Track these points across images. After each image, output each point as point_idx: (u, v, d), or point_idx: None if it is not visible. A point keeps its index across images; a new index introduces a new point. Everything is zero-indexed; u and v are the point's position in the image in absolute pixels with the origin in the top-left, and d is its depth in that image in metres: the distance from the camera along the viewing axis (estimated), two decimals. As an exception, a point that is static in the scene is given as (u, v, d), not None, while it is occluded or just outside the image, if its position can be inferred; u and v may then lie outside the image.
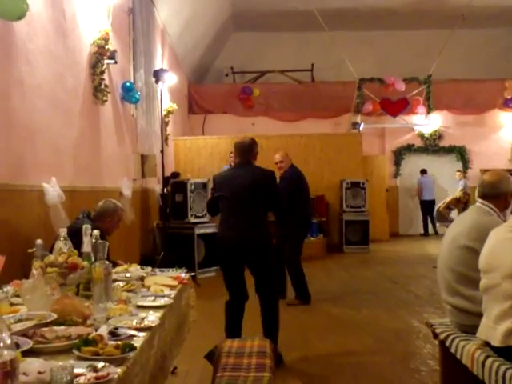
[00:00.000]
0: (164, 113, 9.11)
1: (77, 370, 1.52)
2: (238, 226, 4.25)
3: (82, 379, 1.52)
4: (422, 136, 13.96)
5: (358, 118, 13.49)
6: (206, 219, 8.60)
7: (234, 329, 4.33)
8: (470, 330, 2.98)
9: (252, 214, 4.27)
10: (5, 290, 2.38)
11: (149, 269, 3.37)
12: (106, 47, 6.07)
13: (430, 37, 14.16)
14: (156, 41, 9.27)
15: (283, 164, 6.44)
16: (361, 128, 13.30)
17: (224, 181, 4.46)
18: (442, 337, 3.20)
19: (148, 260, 6.80)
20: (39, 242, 2.54)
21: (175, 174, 10.06)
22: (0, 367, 0.98)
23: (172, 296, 2.69)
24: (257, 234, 4.30)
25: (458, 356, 2.98)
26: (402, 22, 14.34)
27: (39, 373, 1.44)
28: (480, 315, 2.80)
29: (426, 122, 13.72)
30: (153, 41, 8.86)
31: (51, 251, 2.65)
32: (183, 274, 3.30)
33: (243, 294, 4.39)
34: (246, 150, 4.43)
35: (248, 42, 14.88)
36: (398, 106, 13.27)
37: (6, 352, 0.99)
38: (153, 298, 2.61)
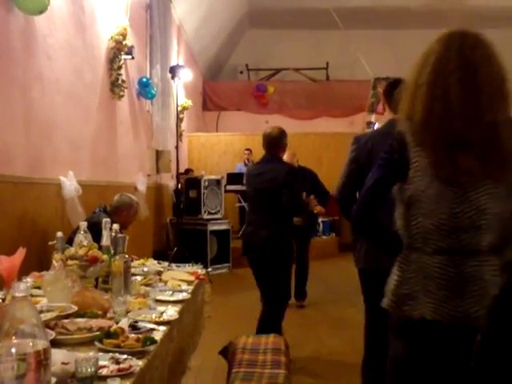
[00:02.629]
0: (179, 109, 9.14)
1: (99, 362, 1.54)
2: (255, 223, 4.18)
3: (104, 371, 1.53)
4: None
5: (373, 117, 13.42)
6: (219, 215, 8.63)
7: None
8: None
9: (270, 212, 4.13)
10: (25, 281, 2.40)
11: (165, 263, 3.39)
12: (124, 43, 6.10)
13: (446, 36, 14.07)
14: (172, 37, 9.30)
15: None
16: (375, 127, 13.24)
17: (249, 176, 4.40)
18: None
19: (161, 255, 6.82)
20: (60, 234, 2.56)
21: (188, 171, 10.10)
22: (34, 356, 0.99)
23: (189, 291, 2.70)
24: (271, 233, 4.10)
25: None
26: (418, 20, 14.23)
27: (63, 363, 1.46)
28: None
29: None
30: (169, 37, 8.88)
31: (68, 244, 2.68)
32: (199, 269, 3.31)
33: (271, 292, 4.22)
34: (274, 143, 4.21)
35: (263, 40, 14.86)
36: (412, 106, 13.21)
37: (39, 342, 1.01)
38: (171, 292, 2.62)
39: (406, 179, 1.75)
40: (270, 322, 4.09)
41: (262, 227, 4.12)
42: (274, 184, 4.10)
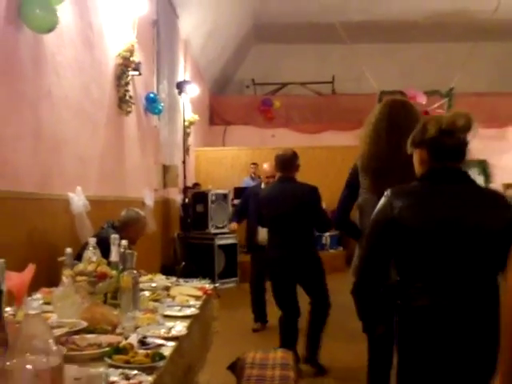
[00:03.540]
0: (186, 124, 9.19)
1: (110, 378, 1.55)
2: (284, 245, 4.24)
3: (115, 387, 1.55)
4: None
5: (379, 131, 13.44)
6: (226, 230, 8.64)
7: (288, 343, 4.21)
8: None
9: (297, 232, 4.25)
10: (35, 297, 2.42)
11: (173, 279, 3.40)
12: (131, 59, 6.15)
13: (451, 50, 14.11)
14: (179, 52, 9.38)
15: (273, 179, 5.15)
16: (381, 140, 13.26)
17: (268, 199, 4.42)
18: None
19: (168, 270, 6.84)
20: (69, 250, 2.58)
21: (196, 185, 10.13)
22: (48, 373, 1.00)
23: (197, 306, 2.71)
24: (304, 253, 4.29)
25: None
26: (424, 34, 14.31)
27: (76, 379, 1.47)
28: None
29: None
30: (176, 52, 8.97)
31: (76, 260, 2.70)
32: (207, 284, 3.32)
33: (295, 311, 4.37)
34: (288, 164, 4.34)
35: (269, 54, 14.95)
36: (419, 119, 13.22)
37: (52, 358, 1.02)
38: (179, 307, 2.63)
39: (358, 194, 3.08)
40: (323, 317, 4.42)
41: (294, 248, 4.23)
42: (299, 204, 4.22)
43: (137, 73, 6.33)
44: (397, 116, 2.92)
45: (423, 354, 1.95)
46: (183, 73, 9.84)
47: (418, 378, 1.98)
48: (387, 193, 2.09)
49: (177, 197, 9.02)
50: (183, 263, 7.65)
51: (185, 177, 8.12)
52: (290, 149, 4.48)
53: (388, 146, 2.76)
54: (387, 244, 2.05)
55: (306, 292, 4.46)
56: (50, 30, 3.90)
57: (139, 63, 6.31)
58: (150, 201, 7.07)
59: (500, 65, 14.53)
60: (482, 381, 1.87)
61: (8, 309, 2.08)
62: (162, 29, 8.10)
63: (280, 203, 4.23)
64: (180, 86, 8.05)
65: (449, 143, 2.02)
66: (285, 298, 4.34)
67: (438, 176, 2.03)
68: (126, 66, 6.10)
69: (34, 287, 2.67)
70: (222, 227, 8.57)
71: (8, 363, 1.04)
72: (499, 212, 1.49)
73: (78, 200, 4.56)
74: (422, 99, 13.18)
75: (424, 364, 1.94)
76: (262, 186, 5.94)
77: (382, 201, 2.09)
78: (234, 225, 6.37)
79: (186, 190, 8.43)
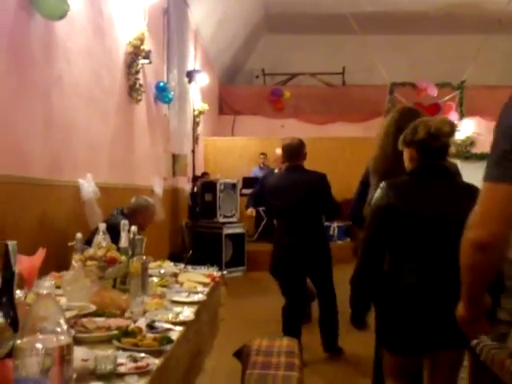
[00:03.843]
0: (195, 113, 9.20)
1: (117, 360, 1.57)
2: (293, 234, 4.24)
3: (122, 368, 1.57)
4: (453, 142, 13.75)
5: (389, 123, 13.38)
6: (234, 219, 8.67)
7: (293, 332, 4.19)
8: (502, 338, 2.96)
9: (308, 221, 4.26)
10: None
11: (182, 266, 3.43)
12: (142, 47, 6.16)
13: (464, 42, 14.00)
14: (189, 41, 9.37)
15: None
16: (391, 132, 13.20)
17: (276, 188, 4.39)
18: (472, 343, 3.18)
19: (176, 258, 6.86)
20: (79, 235, 2.61)
21: (205, 174, 10.15)
22: (58, 351, 1.03)
23: (205, 293, 2.74)
24: (315, 241, 4.30)
25: (489, 364, 2.96)
26: (436, 26, 14.21)
27: (83, 360, 1.50)
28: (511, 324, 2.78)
29: (458, 128, 13.56)
30: (186, 41, 8.96)
31: (86, 245, 2.73)
32: (215, 271, 3.35)
33: (301, 300, 4.41)
34: (296, 153, 4.33)
35: (279, 44, 14.91)
36: (429, 111, 13.10)
37: (62, 337, 1.04)
38: (187, 294, 2.65)
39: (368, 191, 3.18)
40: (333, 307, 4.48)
41: (305, 236, 4.23)
42: (311, 192, 4.23)
43: (147, 61, 6.34)
44: (404, 123, 2.98)
45: (404, 322, 2.34)
46: (193, 62, 9.83)
47: (395, 339, 2.42)
48: (382, 185, 2.41)
49: (186, 186, 9.05)
50: (191, 251, 7.68)
51: (194, 166, 8.13)
52: (296, 137, 4.45)
53: (394, 151, 2.85)
54: (385, 228, 2.36)
55: (313, 281, 4.48)
56: (62, 17, 3.92)
57: (149, 51, 6.32)
58: (159, 189, 7.10)
59: (513, 57, 14.41)
60: (458, 340, 2.20)
61: (18, 292, 2.11)
62: (172, 17, 8.09)
63: (290, 192, 4.22)
64: (190, 75, 8.03)
65: (435, 145, 2.36)
66: (293, 286, 4.33)
67: (425, 171, 2.40)
68: (136, 54, 6.12)
69: (44, 271, 2.69)
70: (230, 216, 8.61)
71: (18, 342, 1.06)
72: (472, 202, 1.63)
73: (88, 187, 4.60)
74: (433, 91, 13.12)
75: (405, 328, 2.35)
76: (276, 170, 5.96)
77: (379, 191, 2.41)
78: (251, 210, 6.23)
79: (195, 179, 8.45)
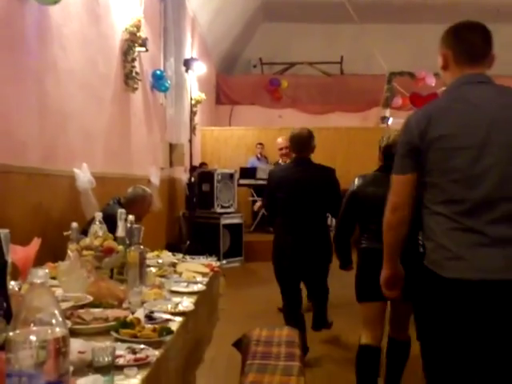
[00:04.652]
0: (192, 102, 9.11)
1: (116, 352, 1.52)
2: (297, 231, 4.02)
3: (121, 360, 1.52)
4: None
5: (387, 112, 13.32)
6: (231, 209, 8.62)
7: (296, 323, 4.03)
8: None
9: (312, 217, 4.05)
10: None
11: (180, 255, 3.37)
12: (138, 34, 6.08)
13: (462, 31, 13.88)
14: (186, 29, 9.27)
15: (288, 151, 5.63)
16: (389, 122, 13.13)
17: (282, 180, 4.12)
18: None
19: (173, 248, 6.80)
20: (75, 225, 2.55)
21: (202, 164, 10.09)
22: (53, 343, 0.97)
23: (204, 283, 2.68)
24: (317, 240, 4.07)
25: None
26: (435, 15, 14.07)
27: (80, 352, 1.44)
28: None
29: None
30: (183, 29, 8.85)
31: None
32: (214, 261, 3.29)
33: (298, 298, 4.24)
34: (304, 144, 4.08)
35: (277, 33, 14.77)
36: (427, 101, 13.05)
37: (57, 329, 0.99)
38: (186, 284, 2.60)
39: None
40: (323, 313, 4.54)
41: (306, 234, 4.04)
42: (318, 187, 4.04)
43: (143, 49, 6.26)
44: None
45: (364, 276, 3.23)
46: (190, 50, 9.73)
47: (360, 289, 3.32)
48: (355, 177, 3.41)
49: (183, 176, 8.98)
50: (188, 242, 7.63)
51: (191, 156, 8.06)
52: (305, 128, 4.21)
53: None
54: (352, 209, 3.40)
55: (306, 284, 4.37)
56: (56, 1, 3.84)
57: (146, 39, 6.23)
58: (155, 179, 7.03)
59: None
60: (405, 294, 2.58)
61: (13, 283, 2.05)
62: (169, 5, 7.99)
63: (295, 185, 4.01)
64: (187, 64, 7.92)
65: (391, 151, 3.01)
66: (289, 287, 4.18)
67: (385, 169, 3.17)
68: (132, 41, 6.03)
69: (39, 262, 2.64)
70: (228, 207, 8.55)
71: (11, 334, 1.00)
72: None
73: (84, 176, 4.53)
74: (432, 81, 13.04)
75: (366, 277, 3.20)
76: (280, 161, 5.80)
77: (353, 181, 3.41)
78: (259, 205, 5.94)
79: (192, 169, 8.38)
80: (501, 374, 1.97)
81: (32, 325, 1.00)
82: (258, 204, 5.82)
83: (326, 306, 4.54)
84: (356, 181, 3.38)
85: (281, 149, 5.98)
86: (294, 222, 4.05)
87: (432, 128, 2.03)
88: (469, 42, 2.23)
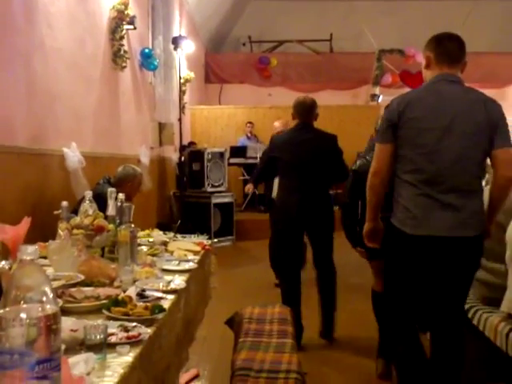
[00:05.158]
0: (181, 81, 9.03)
1: (108, 330, 1.51)
2: (302, 191, 4.03)
3: (113, 338, 1.51)
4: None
5: (377, 90, 13.29)
6: (222, 188, 8.61)
7: (293, 300, 4.06)
8: (494, 302, 2.96)
9: (315, 181, 4.08)
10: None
11: (171, 234, 3.37)
12: (126, 12, 5.99)
13: (452, 7, 13.83)
14: (174, 7, 9.15)
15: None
16: (379, 100, 13.11)
17: (285, 144, 4.15)
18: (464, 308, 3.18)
19: (164, 228, 6.78)
20: (65, 203, 2.53)
21: (191, 143, 10.04)
22: (44, 321, 0.96)
23: (196, 261, 2.68)
24: (321, 201, 4.11)
25: (481, 328, 2.96)
26: (424, -9, 14.02)
27: (72, 330, 1.44)
28: (503, 288, 2.78)
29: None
30: (171, 7, 8.74)
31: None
32: (205, 240, 3.29)
33: (300, 261, 4.26)
34: (308, 111, 4.11)
35: (266, 11, 14.62)
36: (417, 79, 13.01)
37: (48, 306, 0.98)
38: (177, 262, 2.60)
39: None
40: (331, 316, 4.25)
41: (311, 195, 4.06)
42: (321, 151, 4.07)
43: (131, 27, 6.18)
44: None
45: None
46: (179, 29, 9.61)
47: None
48: (356, 158, 3.66)
49: (173, 155, 8.94)
50: (179, 221, 7.63)
51: (181, 135, 8.01)
52: (309, 96, 4.28)
53: None
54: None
55: (312, 244, 4.29)
56: (42, -22, 3.76)
57: (134, 17, 6.15)
58: (145, 158, 6.99)
59: (501, 24, 14.28)
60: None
61: (3, 262, 2.04)
62: (156, -18, 7.88)
63: (299, 149, 4.02)
64: (175, 42, 7.83)
65: None
66: (291, 246, 4.17)
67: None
68: (120, 19, 5.94)
69: (29, 241, 2.62)
70: (218, 186, 8.54)
71: (1, 311, 0.99)
72: None
73: (73, 156, 4.49)
74: (421, 58, 12.98)
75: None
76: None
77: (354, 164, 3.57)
78: (248, 187, 5.82)
79: (182, 148, 8.34)
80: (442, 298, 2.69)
81: (22, 302, 0.99)
82: (249, 186, 5.79)
83: (335, 303, 4.31)
84: (358, 162, 3.48)
85: (278, 133, 5.95)
86: (299, 182, 4.06)
87: (408, 110, 2.52)
88: (448, 48, 2.68)
